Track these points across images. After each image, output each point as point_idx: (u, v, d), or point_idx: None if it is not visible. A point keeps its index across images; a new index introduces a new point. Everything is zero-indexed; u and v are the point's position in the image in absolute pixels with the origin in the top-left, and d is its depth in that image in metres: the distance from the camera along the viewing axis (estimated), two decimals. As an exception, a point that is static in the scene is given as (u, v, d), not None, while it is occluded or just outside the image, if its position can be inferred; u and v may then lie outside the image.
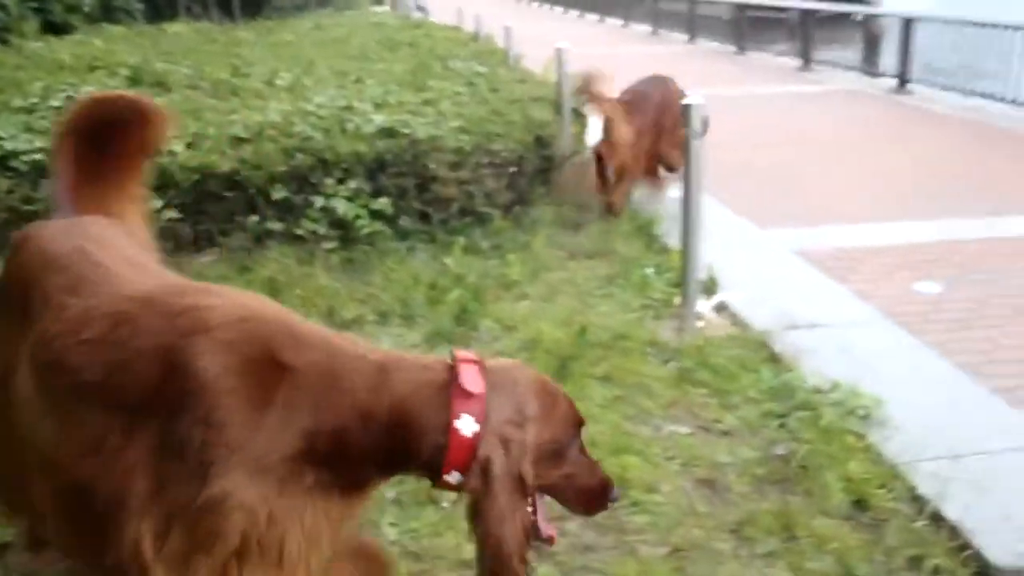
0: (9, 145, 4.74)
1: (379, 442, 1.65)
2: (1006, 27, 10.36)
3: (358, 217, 4.88)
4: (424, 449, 1.66)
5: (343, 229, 4.90)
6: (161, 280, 1.93)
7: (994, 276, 5.10)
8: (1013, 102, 10.01)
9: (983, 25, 10.90)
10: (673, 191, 6.09)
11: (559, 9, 34.41)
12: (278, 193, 4.84)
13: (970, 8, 11.90)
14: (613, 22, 26.64)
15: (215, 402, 1.55)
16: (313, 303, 4.33)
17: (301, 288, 4.44)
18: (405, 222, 5.06)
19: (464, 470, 1.65)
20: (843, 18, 15.64)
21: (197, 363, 1.57)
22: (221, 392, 1.56)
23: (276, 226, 4.86)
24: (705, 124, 3.96)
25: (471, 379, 1.66)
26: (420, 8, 25.08)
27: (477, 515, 1.66)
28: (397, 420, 1.64)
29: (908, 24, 12.16)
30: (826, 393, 3.45)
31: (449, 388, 1.66)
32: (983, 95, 10.63)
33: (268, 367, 1.60)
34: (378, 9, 25.49)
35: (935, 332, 4.35)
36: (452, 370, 1.68)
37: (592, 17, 28.97)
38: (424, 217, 5.18)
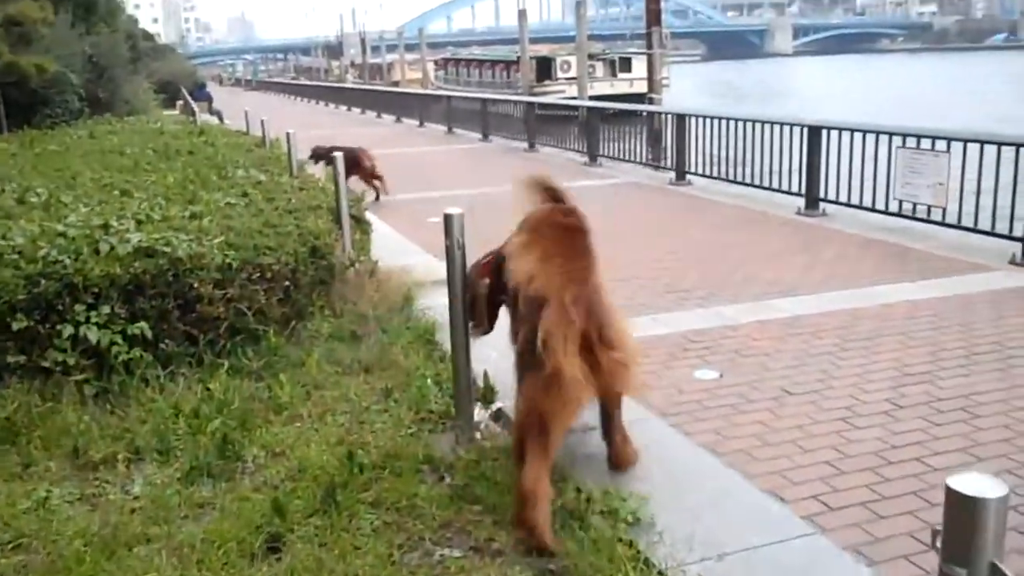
0: None
1: None
2: (761, 122, 11.21)
3: (113, 344, 4.53)
4: None
5: (96, 358, 4.53)
6: None
7: (764, 360, 5.33)
8: (776, 189, 10.77)
9: (740, 120, 11.75)
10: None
11: (356, 111, 34.75)
12: (19, 323, 4.43)
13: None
14: (410, 122, 27.11)
15: None
16: (57, 444, 3.95)
17: (44, 428, 4.05)
18: (168, 346, 4.74)
19: None
20: (629, 114, 16.53)
21: None
22: None
23: (17, 359, 4.44)
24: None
25: None
26: (215, 113, 24.65)
27: None
28: None
29: (681, 120, 12.97)
30: (595, 502, 3.41)
31: None
32: (749, 184, 11.39)
33: None
34: (168, 114, 24.89)
35: (712, 420, 4.47)
36: None
37: (389, 118, 29.40)
38: (190, 339, 4.88)
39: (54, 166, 8.72)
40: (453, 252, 3.90)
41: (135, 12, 52.10)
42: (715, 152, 12.23)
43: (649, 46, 24.72)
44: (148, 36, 49.84)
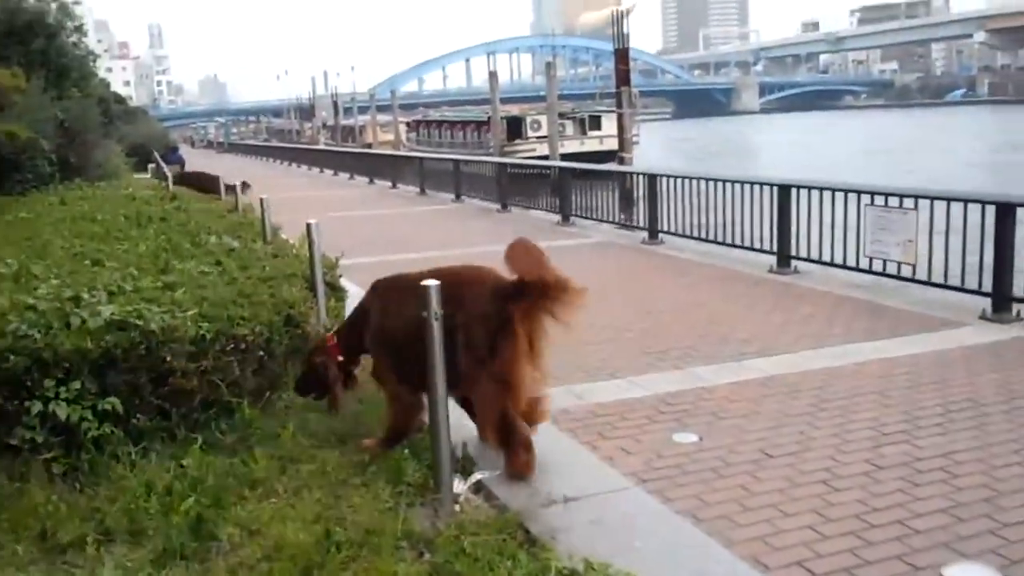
0: None
1: None
2: (732, 181, 11.35)
3: (83, 420, 4.44)
4: None
5: (66, 435, 4.43)
6: None
7: (742, 422, 5.32)
8: (748, 247, 10.87)
9: (711, 180, 11.89)
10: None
11: (328, 173, 34.89)
12: (-17, 402, 4.34)
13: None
14: (382, 184, 27.23)
15: None
16: (24, 525, 3.84)
17: (10, 510, 3.94)
18: (139, 421, 4.66)
19: None
20: (594, 173, 16.69)
21: None
22: None
23: (-19, 437, 4.34)
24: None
25: None
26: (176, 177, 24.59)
27: None
28: None
29: (652, 180, 13.10)
30: (579, 575, 3.36)
31: None
32: (721, 242, 11.48)
33: None
34: (139, 177, 24.83)
35: (692, 485, 4.44)
36: None
37: (362, 180, 29.52)
38: (163, 413, 4.79)
39: (24, 234, 8.64)
40: (431, 324, 3.87)
41: (107, 75, 52.31)
42: (687, 211, 12.35)
43: (619, 105, 25.04)
44: (120, 99, 49.94)
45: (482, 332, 4.30)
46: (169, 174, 17.94)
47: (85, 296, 5.15)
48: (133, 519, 3.88)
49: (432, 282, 3.89)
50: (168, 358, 4.76)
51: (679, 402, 5.76)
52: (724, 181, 11.54)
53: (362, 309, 5.09)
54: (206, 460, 4.38)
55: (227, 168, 24.37)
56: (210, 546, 3.73)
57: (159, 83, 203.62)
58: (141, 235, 8.58)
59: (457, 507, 4.09)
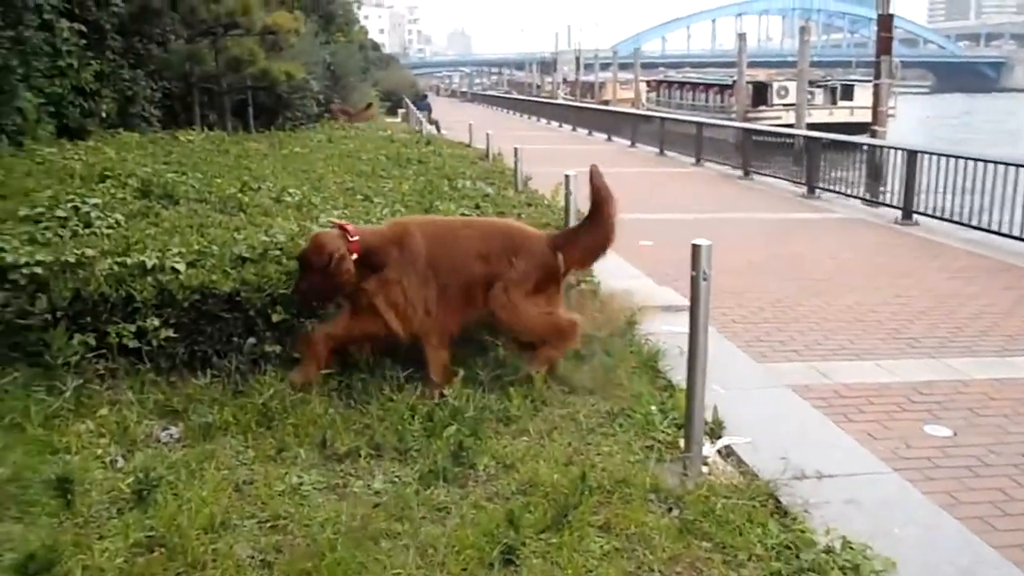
0: (9, 258, 4.70)
1: None
2: (1006, 164, 10.48)
3: (357, 342, 4.81)
4: None
5: (342, 354, 4.81)
6: None
7: (1003, 421, 4.99)
8: (1018, 238, 10.05)
9: (981, 160, 11.03)
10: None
11: (567, 128, 35.20)
12: (278, 316, 4.78)
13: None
14: (620, 142, 27.19)
15: None
16: (307, 433, 4.21)
17: (295, 416, 4.33)
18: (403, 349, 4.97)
19: None
20: (845, 145, 15.90)
21: None
22: None
23: (274, 349, 4.78)
24: None
25: None
26: (433, 122, 25.66)
27: None
28: None
29: (912, 156, 12.34)
30: (836, 554, 3.29)
31: None
32: (987, 229, 10.67)
33: None
34: (390, 121, 26.13)
35: (944, 480, 4.24)
36: None
37: (600, 136, 29.60)
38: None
39: (300, 167, 9.32)
40: (699, 283, 3.87)
41: (365, 23, 54.93)
42: (948, 192, 11.57)
43: (877, 75, 23.62)
44: (375, 46, 52.43)
45: (535, 277, 4.95)
46: (423, 119, 18.72)
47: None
48: (401, 438, 4.17)
49: (704, 241, 3.88)
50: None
51: (932, 392, 5.47)
52: (995, 163, 10.69)
53: (392, 244, 4.84)
54: (465, 393, 4.61)
55: (471, 117, 25.13)
56: (469, 473, 3.94)
57: (409, 32, 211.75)
58: (402, 175, 9.06)
59: (706, 468, 4.11)
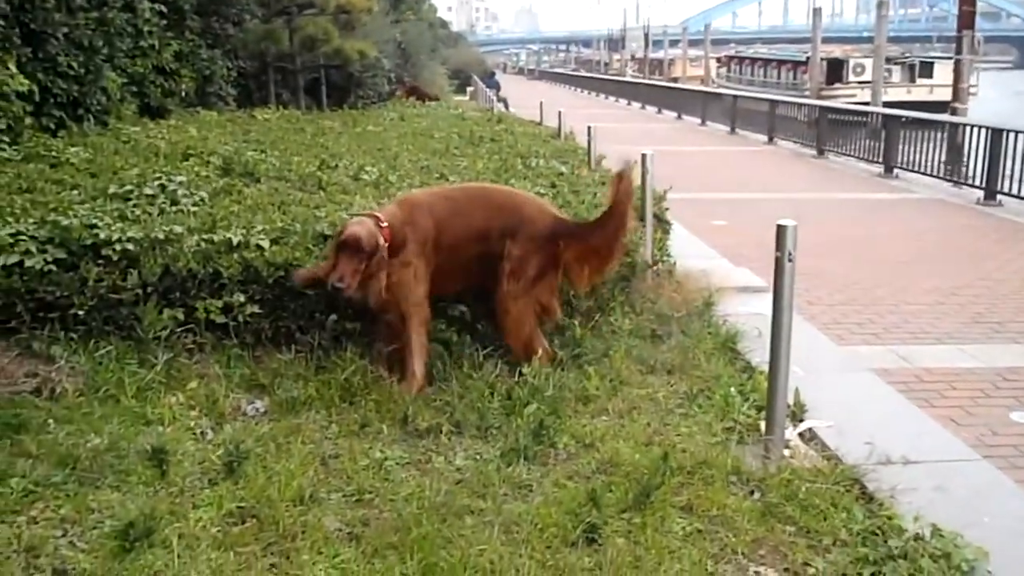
0: (103, 234, 4.84)
1: None
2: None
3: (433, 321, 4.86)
4: None
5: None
6: None
7: (1098, 412, 4.85)
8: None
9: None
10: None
11: (636, 105, 34.87)
12: (359, 294, 4.84)
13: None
14: (690, 120, 26.85)
15: None
16: (388, 409, 4.28)
17: (377, 393, 4.40)
18: (484, 328, 5.01)
19: None
20: (925, 123, 15.47)
21: None
22: None
23: (355, 326, 4.85)
24: None
25: None
26: (501, 100, 25.65)
27: None
28: None
29: (996, 134, 11.97)
30: (925, 542, 3.24)
31: None
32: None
33: None
34: (458, 99, 26.17)
35: (1036, 470, 4.12)
36: None
37: (670, 115, 29.26)
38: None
39: (375, 145, 9.41)
40: (783, 264, 3.82)
41: (433, 1, 55.02)
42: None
43: (959, 51, 22.89)
44: (443, 24, 52.51)
45: (535, 262, 4.75)
46: (494, 98, 18.73)
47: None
48: (481, 416, 4.21)
49: (789, 221, 3.82)
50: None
51: (1018, 379, 5.34)
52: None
53: (406, 225, 4.66)
54: (543, 371, 4.63)
55: (539, 94, 25.09)
56: (549, 452, 3.97)
57: (477, 10, 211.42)
58: (476, 153, 9.08)
59: (787, 452, 4.07)
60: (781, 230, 3.82)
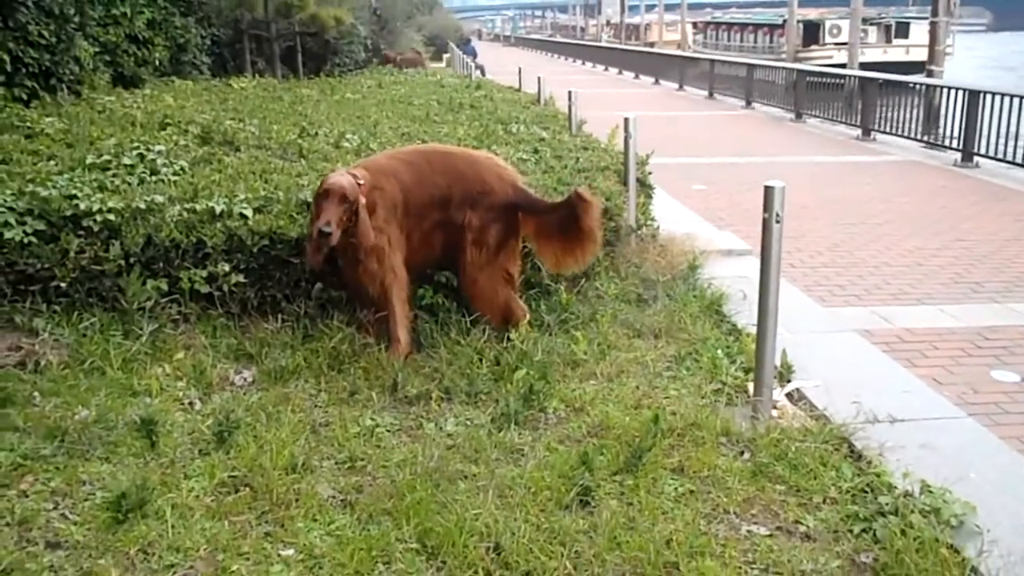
0: (83, 205, 4.78)
1: None
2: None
3: (420, 288, 4.84)
4: None
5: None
6: None
7: (1074, 367, 4.91)
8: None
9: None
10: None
11: (613, 71, 34.73)
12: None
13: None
14: (668, 85, 26.79)
15: None
16: (377, 376, 4.27)
17: (365, 360, 4.38)
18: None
19: None
20: (901, 86, 15.49)
21: None
22: None
23: (341, 294, 4.83)
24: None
25: None
26: (478, 67, 25.45)
27: None
28: None
29: (973, 96, 12.01)
30: (915, 498, 3.28)
31: None
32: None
33: None
34: (435, 66, 25.94)
35: (1014, 425, 4.19)
36: None
37: (647, 80, 29.18)
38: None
39: (354, 113, 9.31)
40: (771, 225, 3.82)
41: (408, -34, 54.08)
42: (1012, 134, 11.25)
43: (935, 13, 22.89)
44: (419, -10, 51.88)
45: (495, 231, 4.69)
46: (473, 64, 18.57)
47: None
48: (471, 382, 4.21)
49: (777, 183, 3.82)
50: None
51: (997, 338, 5.40)
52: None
53: (375, 189, 4.58)
54: (531, 337, 4.63)
55: (515, 61, 24.92)
56: (539, 416, 3.98)
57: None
58: (456, 120, 9.01)
59: (775, 412, 4.10)
60: (769, 191, 3.82)
